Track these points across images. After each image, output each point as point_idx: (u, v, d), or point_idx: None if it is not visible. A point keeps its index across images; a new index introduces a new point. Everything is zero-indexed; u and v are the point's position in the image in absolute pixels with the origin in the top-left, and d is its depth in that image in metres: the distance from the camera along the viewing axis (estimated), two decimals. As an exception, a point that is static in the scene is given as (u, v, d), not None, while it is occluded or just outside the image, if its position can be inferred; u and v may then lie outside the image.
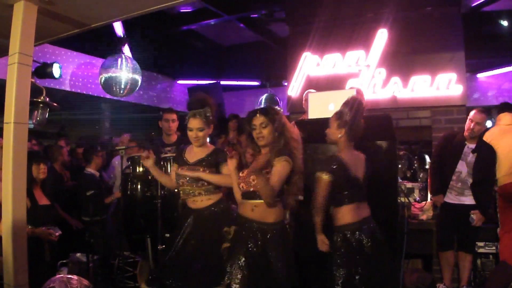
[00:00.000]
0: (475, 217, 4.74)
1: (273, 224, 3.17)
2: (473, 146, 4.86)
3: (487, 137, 4.58)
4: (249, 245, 3.10)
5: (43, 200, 4.54)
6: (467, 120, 4.94)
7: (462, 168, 4.93)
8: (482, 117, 4.88)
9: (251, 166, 3.26)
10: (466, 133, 4.92)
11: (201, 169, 3.49)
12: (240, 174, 3.28)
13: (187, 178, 3.51)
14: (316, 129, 3.76)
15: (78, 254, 5.45)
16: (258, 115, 3.25)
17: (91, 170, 5.94)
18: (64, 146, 6.68)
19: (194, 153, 3.64)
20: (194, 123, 3.52)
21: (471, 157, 4.86)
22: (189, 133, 3.56)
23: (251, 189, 3.16)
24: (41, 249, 4.24)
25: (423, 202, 5.26)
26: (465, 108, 6.21)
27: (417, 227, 5.09)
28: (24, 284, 3.04)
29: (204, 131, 3.55)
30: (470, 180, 4.85)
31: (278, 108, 3.45)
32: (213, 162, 3.57)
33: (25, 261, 3.09)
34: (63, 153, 6.32)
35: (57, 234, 4.33)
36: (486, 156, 4.77)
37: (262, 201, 3.12)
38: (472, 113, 4.95)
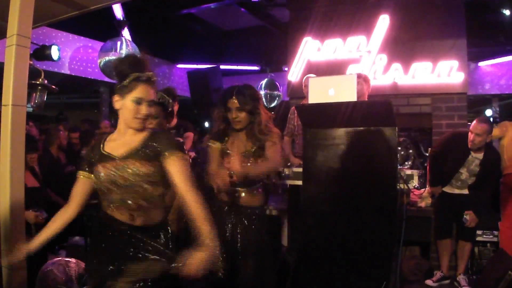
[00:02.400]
0: (469, 217, 4.75)
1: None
2: (478, 155, 4.80)
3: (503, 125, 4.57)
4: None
5: (31, 182, 4.48)
6: (469, 132, 4.79)
7: (463, 171, 4.91)
8: (482, 127, 4.66)
9: (235, 155, 3.14)
10: (469, 145, 4.76)
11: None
12: (226, 165, 3.09)
13: None
14: (316, 114, 3.74)
15: (77, 238, 5.46)
16: (234, 97, 3.14)
17: None
18: (62, 130, 6.64)
19: None
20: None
21: (474, 165, 4.82)
22: None
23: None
24: (28, 232, 4.23)
25: (422, 190, 5.26)
26: (465, 96, 6.20)
27: (415, 214, 5.10)
28: (22, 267, 3.04)
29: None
30: (470, 181, 4.86)
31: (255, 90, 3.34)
32: None
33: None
34: (60, 136, 6.28)
35: (44, 216, 4.31)
36: (491, 165, 4.80)
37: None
38: (473, 123, 4.79)
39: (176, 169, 2.24)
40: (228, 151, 3.19)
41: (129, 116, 2.28)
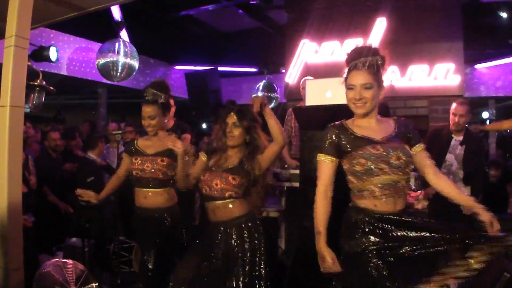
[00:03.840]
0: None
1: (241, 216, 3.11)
2: (460, 138, 4.90)
3: None
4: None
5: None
6: (451, 115, 4.90)
7: (452, 161, 4.94)
8: (464, 108, 4.84)
9: (215, 169, 3.13)
10: (452, 127, 4.91)
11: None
12: (201, 178, 3.13)
13: None
14: (313, 117, 3.75)
15: (74, 239, 5.45)
16: (233, 113, 3.13)
17: (92, 155, 5.83)
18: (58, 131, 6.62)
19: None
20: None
21: (459, 150, 4.89)
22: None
23: (213, 194, 3.06)
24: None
25: (418, 192, 5.28)
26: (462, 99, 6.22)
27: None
28: (19, 267, 3.05)
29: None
30: (461, 173, 4.88)
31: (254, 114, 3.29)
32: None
33: (20, 244, 3.10)
34: (56, 138, 6.26)
35: (31, 220, 4.30)
36: (474, 147, 4.92)
37: (223, 201, 3.06)
38: (453, 106, 4.92)
39: None
40: (210, 167, 3.18)
41: None
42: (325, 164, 2.63)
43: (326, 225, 2.56)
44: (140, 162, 3.50)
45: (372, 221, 2.48)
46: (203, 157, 3.23)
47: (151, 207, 3.49)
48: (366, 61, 2.55)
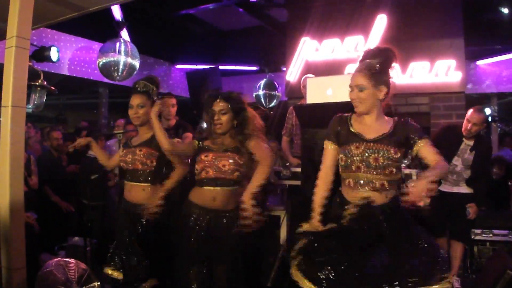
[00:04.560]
0: (471, 210, 4.77)
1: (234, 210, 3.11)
2: (470, 143, 4.84)
3: None
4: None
5: None
6: (465, 120, 4.83)
7: (458, 163, 4.92)
8: (479, 117, 4.75)
9: (216, 149, 3.16)
10: (464, 133, 4.81)
11: None
12: (204, 157, 3.15)
13: None
14: (314, 114, 3.75)
15: (76, 238, 5.46)
16: (218, 100, 3.15)
17: (93, 153, 5.82)
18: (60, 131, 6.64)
19: None
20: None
21: (468, 154, 4.84)
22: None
23: (222, 176, 3.08)
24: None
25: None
26: (463, 95, 6.23)
27: (414, 213, 5.10)
28: (22, 267, 3.06)
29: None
30: (465, 174, 4.87)
31: (242, 96, 3.29)
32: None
33: (22, 244, 3.11)
34: (58, 138, 6.27)
35: (34, 217, 4.31)
36: (484, 153, 4.87)
37: (225, 188, 3.09)
38: (469, 112, 4.85)
39: None
40: (205, 147, 3.21)
41: None
42: (328, 151, 2.85)
43: (322, 205, 2.78)
44: (124, 153, 3.53)
45: (345, 207, 2.68)
46: (194, 142, 3.28)
47: (131, 202, 3.47)
48: (364, 63, 2.73)
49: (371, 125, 2.73)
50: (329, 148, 2.83)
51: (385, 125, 2.73)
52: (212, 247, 3.07)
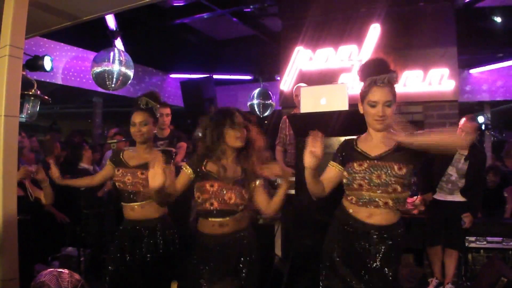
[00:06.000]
0: (466, 219, 4.80)
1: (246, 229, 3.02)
2: (464, 153, 4.87)
3: None
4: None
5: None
6: (458, 129, 4.85)
7: (452, 172, 4.94)
8: (471, 125, 4.83)
9: (225, 178, 2.90)
10: None
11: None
12: (209, 187, 2.90)
13: None
14: (308, 124, 3.75)
15: (70, 248, 5.44)
16: (237, 113, 2.95)
17: (84, 165, 5.86)
18: (57, 141, 6.64)
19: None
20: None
21: (462, 164, 4.87)
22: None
23: (227, 208, 2.89)
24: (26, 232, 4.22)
25: (415, 197, 5.28)
26: (457, 104, 6.24)
27: (408, 221, 5.11)
28: (14, 278, 3.04)
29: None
30: (460, 183, 4.89)
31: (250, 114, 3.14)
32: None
33: (15, 254, 3.08)
34: (56, 147, 6.28)
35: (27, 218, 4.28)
36: (478, 163, 4.91)
37: (232, 216, 2.91)
38: (462, 121, 4.92)
39: None
40: (209, 173, 2.95)
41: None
42: (330, 168, 2.82)
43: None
44: (121, 173, 3.40)
45: (347, 221, 2.69)
46: (187, 170, 2.98)
47: (137, 219, 3.36)
48: (385, 77, 2.59)
49: (376, 143, 2.67)
50: (331, 166, 2.81)
51: (390, 141, 2.61)
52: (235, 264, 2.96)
